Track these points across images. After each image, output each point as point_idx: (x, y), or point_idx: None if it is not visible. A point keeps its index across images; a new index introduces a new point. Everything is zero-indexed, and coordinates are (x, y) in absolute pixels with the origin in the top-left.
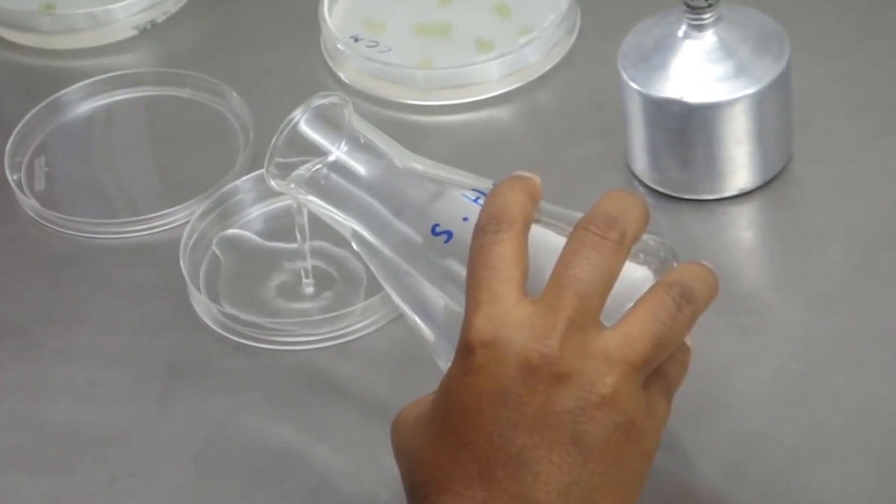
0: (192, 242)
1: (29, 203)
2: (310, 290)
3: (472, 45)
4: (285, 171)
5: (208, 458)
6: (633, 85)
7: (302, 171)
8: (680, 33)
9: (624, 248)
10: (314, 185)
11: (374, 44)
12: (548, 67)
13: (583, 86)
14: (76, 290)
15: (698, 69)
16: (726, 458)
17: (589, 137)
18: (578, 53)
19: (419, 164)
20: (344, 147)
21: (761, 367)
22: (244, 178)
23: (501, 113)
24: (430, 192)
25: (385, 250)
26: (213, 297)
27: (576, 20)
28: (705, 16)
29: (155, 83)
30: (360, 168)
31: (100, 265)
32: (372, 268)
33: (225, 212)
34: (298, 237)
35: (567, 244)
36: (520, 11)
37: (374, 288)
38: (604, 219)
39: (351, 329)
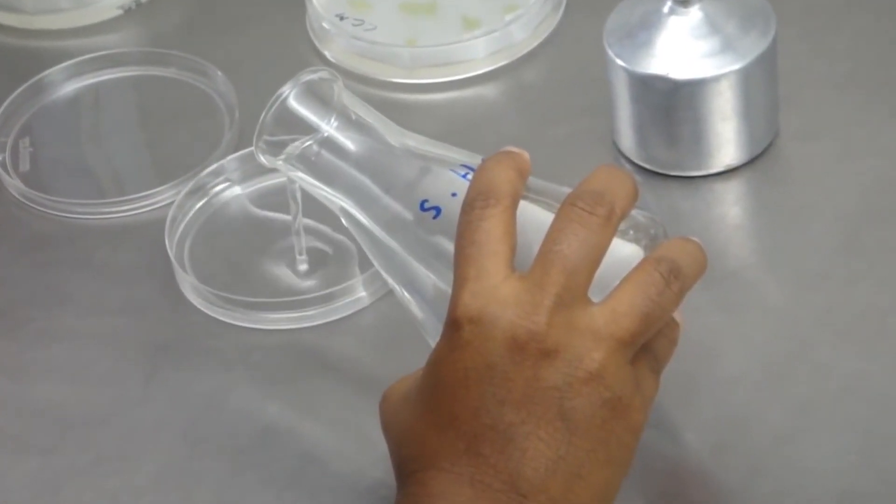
0: (177, 222)
1: (13, 184)
2: (304, 266)
3: (458, 23)
4: (274, 146)
5: (194, 438)
6: (619, 62)
7: (292, 147)
8: (665, 9)
9: (612, 224)
10: (304, 161)
11: (359, 22)
12: (534, 45)
13: (569, 63)
14: (60, 270)
15: (684, 45)
16: (713, 435)
17: (575, 115)
18: (565, 31)
19: (409, 140)
20: (334, 123)
21: (747, 344)
22: (230, 158)
23: (487, 91)
24: (419, 167)
25: (374, 227)
26: (200, 273)
27: None
28: None
29: (140, 63)
30: (350, 144)
31: (85, 246)
32: (361, 244)
33: (210, 191)
34: (292, 210)
35: (554, 220)
36: None
37: (363, 264)
38: (591, 194)
39: (339, 306)
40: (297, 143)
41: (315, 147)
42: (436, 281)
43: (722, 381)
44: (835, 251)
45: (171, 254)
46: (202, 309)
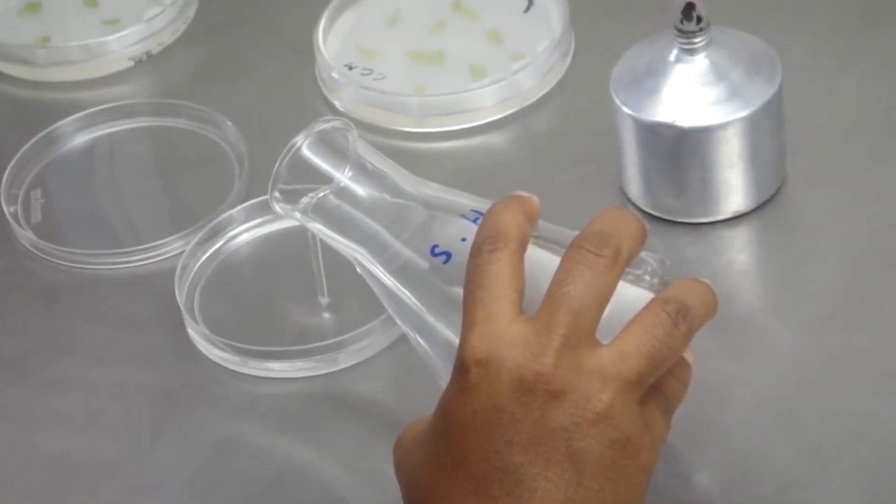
0: (187, 272)
1: (25, 235)
2: (326, 311)
3: (465, 72)
4: (288, 195)
5: (202, 488)
6: (626, 109)
7: (307, 197)
8: (671, 57)
9: (618, 265)
10: (319, 211)
11: (368, 72)
12: (542, 93)
13: (576, 111)
14: (71, 320)
15: (690, 93)
16: (722, 478)
17: (583, 162)
18: (572, 79)
19: (420, 187)
20: (348, 173)
21: (755, 388)
22: (239, 208)
23: (495, 139)
24: (430, 213)
25: (386, 274)
26: (209, 322)
27: (569, 45)
28: (696, 39)
29: (150, 114)
30: (364, 193)
31: (95, 296)
32: (375, 291)
33: (220, 241)
34: (312, 254)
35: (561, 262)
36: (513, 37)
37: (376, 308)
38: (597, 236)
39: (348, 353)
40: (312, 194)
41: (331, 197)
42: (445, 326)
43: (730, 424)
44: (842, 296)
45: (181, 303)
46: (211, 358)
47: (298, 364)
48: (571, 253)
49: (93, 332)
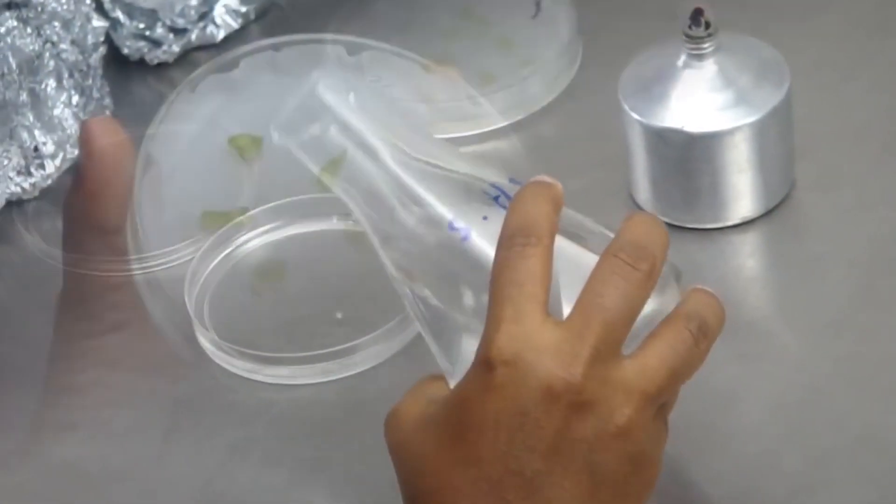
0: (197, 278)
1: (34, 242)
2: (339, 315)
3: (474, 78)
4: (291, 130)
5: (212, 495)
6: (634, 115)
7: (308, 132)
8: (680, 63)
9: (653, 280)
10: (319, 146)
11: (377, 78)
12: (550, 99)
13: (585, 117)
14: (80, 327)
15: (699, 98)
16: (729, 485)
17: (591, 168)
18: (580, 85)
19: (435, 148)
20: (352, 99)
21: (764, 395)
22: (249, 214)
23: (504, 145)
24: (445, 180)
25: (389, 235)
26: (219, 328)
27: (577, 52)
28: (705, 45)
29: (160, 120)
30: (369, 138)
31: (105, 302)
32: (372, 244)
33: (230, 247)
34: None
35: (596, 269)
36: (522, 44)
37: (376, 321)
38: (634, 247)
39: (358, 360)
40: (313, 130)
41: (332, 133)
42: (448, 299)
43: (738, 431)
44: (851, 302)
45: (191, 309)
46: (221, 364)
47: (308, 370)
48: (607, 261)
49: (103, 338)
